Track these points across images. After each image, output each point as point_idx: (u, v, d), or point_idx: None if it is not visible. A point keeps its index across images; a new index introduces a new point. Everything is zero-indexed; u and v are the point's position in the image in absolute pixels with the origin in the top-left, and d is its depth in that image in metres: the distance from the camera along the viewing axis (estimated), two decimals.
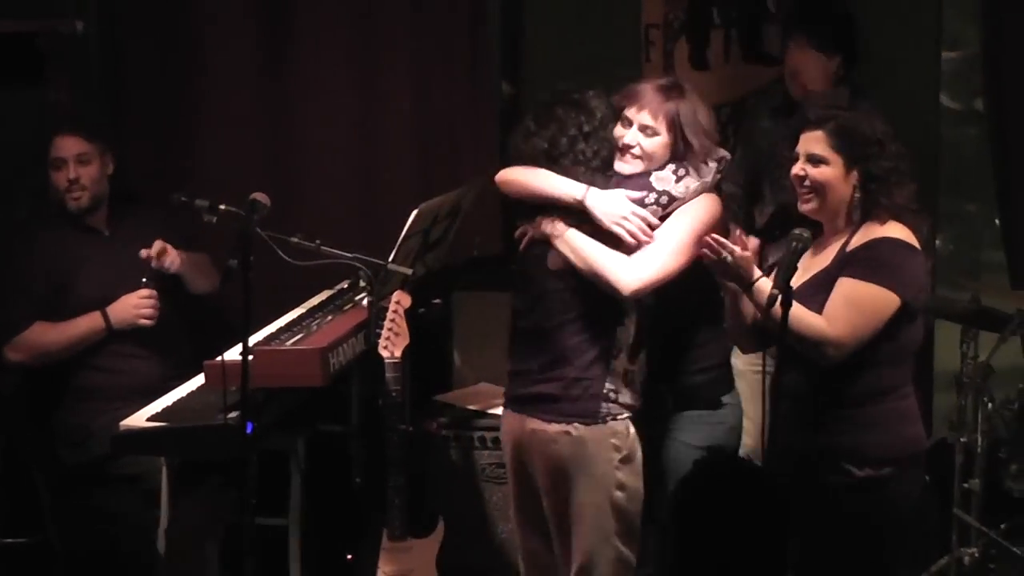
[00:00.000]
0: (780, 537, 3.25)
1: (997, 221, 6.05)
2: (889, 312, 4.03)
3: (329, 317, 5.01)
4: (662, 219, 4.34)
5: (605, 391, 4.33)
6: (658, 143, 4.34)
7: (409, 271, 4.82)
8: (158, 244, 5.16)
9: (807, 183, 4.14)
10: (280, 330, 4.95)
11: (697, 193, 4.36)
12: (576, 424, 4.33)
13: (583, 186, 4.32)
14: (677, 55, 6.08)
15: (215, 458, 4.63)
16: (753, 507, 3.25)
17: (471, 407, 5.44)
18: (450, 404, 5.52)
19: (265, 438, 4.46)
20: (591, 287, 4.32)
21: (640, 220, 4.30)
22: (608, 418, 4.34)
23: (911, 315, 4.10)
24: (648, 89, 4.37)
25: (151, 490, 4.94)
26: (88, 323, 5.19)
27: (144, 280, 5.17)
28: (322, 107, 6.10)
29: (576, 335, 4.34)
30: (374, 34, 6.11)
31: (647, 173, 4.34)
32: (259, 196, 4.42)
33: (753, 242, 4.63)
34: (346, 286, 5.35)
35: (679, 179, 4.33)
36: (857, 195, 4.10)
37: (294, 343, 4.73)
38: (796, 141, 4.17)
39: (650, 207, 4.32)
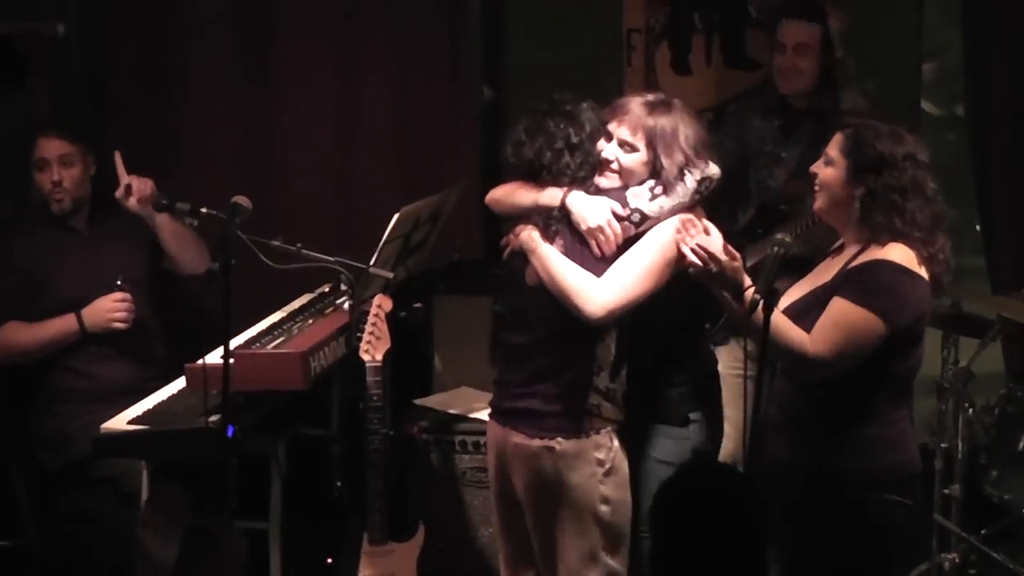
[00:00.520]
0: (759, 544, 3.24)
1: (978, 227, 6.07)
2: (874, 338, 3.93)
3: (310, 321, 5.01)
4: (635, 237, 4.29)
5: (588, 405, 4.29)
6: (636, 159, 4.29)
7: (390, 275, 4.81)
8: (123, 184, 5.10)
9: (817, 180, 4.11)
10: (261, 333, 4.95)
11: (673, 212, 4.27)
12: (559, 439, 4.30)
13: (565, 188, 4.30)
14: (659, 60, 6.08)
15: (196, 461, 4.61)
16: (732, 513, 3.23)
17: (452, 411, 5.43)
18: (431, 408, 5.50)
19: (246, 441, 4.46)
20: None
21: (612, 233, 4.25)
22: (591, 432, 4.30)
23: (902, 342, 4.00)
24: (632, 104, 4.32)
25: (130, 492, 4.94)
26: (62, 325, 5.15)
27: (119, 283, 5.14)
28: (304, 111, 6.10)
29: (557, 350, 4.30)
30: (355, 38, 6.11)
31: (624, 188, 4.30)
32: (241, 199, 4.39)
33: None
34: (327, 290, 5.35)
35: (654, 198, 4.26)
36: (857, 206, 4.01)
37: (275, 347, 4.73)
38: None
39: (623, 223, 4.27)
